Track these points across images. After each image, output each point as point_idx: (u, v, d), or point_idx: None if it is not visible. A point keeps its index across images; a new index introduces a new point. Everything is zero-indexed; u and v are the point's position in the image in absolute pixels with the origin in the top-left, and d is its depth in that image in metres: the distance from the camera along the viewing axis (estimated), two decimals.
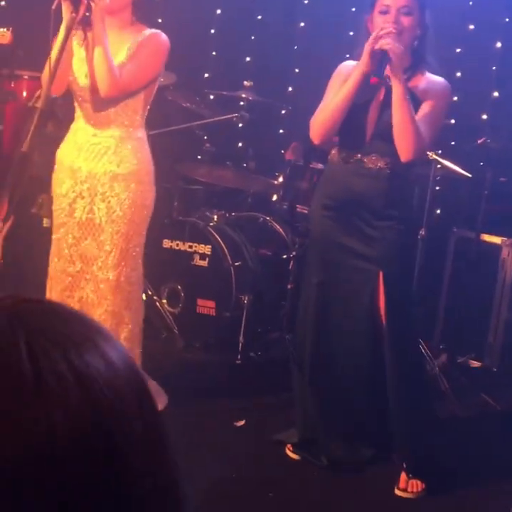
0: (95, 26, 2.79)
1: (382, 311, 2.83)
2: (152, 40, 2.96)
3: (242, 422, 3.30)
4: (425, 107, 2.77)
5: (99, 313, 3.04)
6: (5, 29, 3.36)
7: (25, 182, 4.26)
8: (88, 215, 3.01)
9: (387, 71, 2.68)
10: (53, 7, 2.67)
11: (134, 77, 2.92)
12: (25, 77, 4.70)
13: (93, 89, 2.91)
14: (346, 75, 2.79)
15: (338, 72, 2.88)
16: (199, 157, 4.61)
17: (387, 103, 2.77)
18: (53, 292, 3.12)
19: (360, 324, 2.90)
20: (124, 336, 3.11)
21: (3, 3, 5.37)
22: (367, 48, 2.65)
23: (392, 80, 2.66)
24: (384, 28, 2.64)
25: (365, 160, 2.81)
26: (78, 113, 3.03)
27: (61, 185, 3.04)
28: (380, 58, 2.65)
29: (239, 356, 3.90)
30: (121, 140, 2.98)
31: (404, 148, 2.70)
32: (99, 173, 2.97)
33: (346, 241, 2.87)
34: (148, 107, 3.08)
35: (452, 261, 4.19)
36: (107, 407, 0.61)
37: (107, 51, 2.81)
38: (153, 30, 2.99)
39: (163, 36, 3.00)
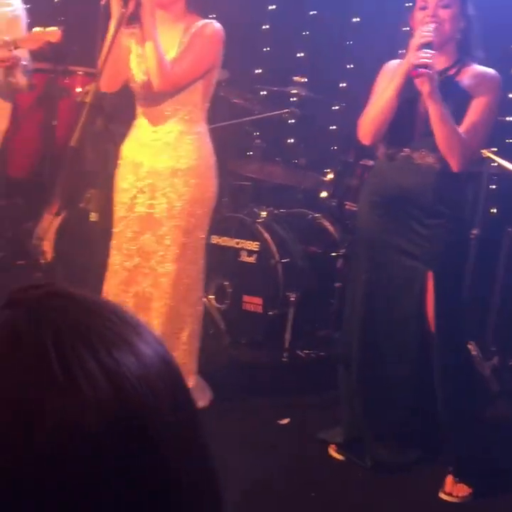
0: (145, 21, 2.80)
1: (431, 311, 2.78)
2: (205, 30, 2.94)
3: (286, 420, 3.28)
4: (476, 105, 2.71)
5: (158, 306, 3.07)
6: (55, 27, 3.39)
7: (75, 177, 4.33)
8: (148, 210, 3.04)
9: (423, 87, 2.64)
10: (102, 2, 2.70)
11: (187, 69, 2.91)
12: (79, 72, 4.77)
13: (149, 85, 2.92)
14: (392, 73, 2.76)
15: (384, 70, 2.86)
16: (249, 153, 4.60)
17: None
18: (109, 285, 3.16)
19: (407, 323, 2.85)
20: (182, 328, 3.15)
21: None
22: (411, 46, 2.63)
23: (427, 101, 2.63)
24: (423, 31, 2.61)
25: (414, 156, 2.76)
26: (139, 110, 3.06)
27: (124, 180, 3.07)
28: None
29: (285, 354, 3.88)
30: (181, 135, 2.99)
31: (451, 161, 2.69)
32: (160, 168, 3.00)
33: (394, 239, 2.82)
34: (209, 100, 3.07)
35: (506, 261, 4.08)
36: (139, 403, 0.60)
37: (157, 45, 2.81)
38: (207, 20, 2.97)
39: (217, 25, 2.97)
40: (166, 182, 3.00)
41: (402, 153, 2.78)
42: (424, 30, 2.63)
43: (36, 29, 3.46)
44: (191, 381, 3.23)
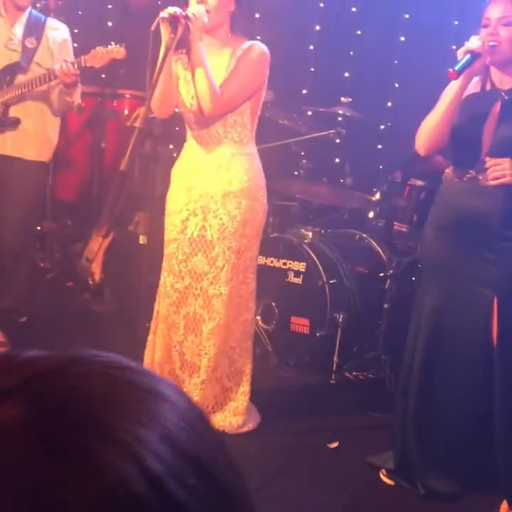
0: (193, 46, 2.83)
1: (495, 338, 2.71)
2: (251, 52, 2.97)
3: (335, 444, 3.24)
4: None
5: (211, 327, 3.09)
6: (118, 45, 3.48)
7: (123, 200, 4.37)
8: (200, 232, 3.06)
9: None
10: (152, 28, 2.72)
11: (236, 92, 2.93)
12: (127, 96, 4.84)
13: (199, 109, 2.94)
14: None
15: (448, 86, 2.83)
16: (296, 173, 4.59)
17: (503, 116, 2.68)
18: (161, 306, 3.19)
19: (473, 351, 2.76)
20: (234, 347, 3.17)
21: (110, 23, 5.55)
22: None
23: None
24: (471, 39, 2.60)
25: (480, 177, 2.69)
26: (189, 133, 3.08)
27: (175, 202, 3.10)
28: (469, 59, 2.59)
29: (333, 376, 3.85)
30: (232, 157, 3.02)
31: None
32: (212, 191, 3.03)
33: (463, 264, 2.74)
34: (256, 120, 3.09)
35: None
36: (165, 474, 0.50)
37: (206, 69, 2.84)
38: (252, 42, 2.99)
39: (263, 46, 3.00)
40: (218, 204, 3.03)
41: (468, 176, 2.72)
42: (472, 40, 2.61)
43: (99, 48, 3.53)
44: (243, 403, 3.22)
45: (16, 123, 3.73)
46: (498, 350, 2.69)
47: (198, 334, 3.14)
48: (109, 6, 5.67)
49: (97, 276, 4.58)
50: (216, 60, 2.96)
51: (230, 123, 2.99)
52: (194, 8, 2.84)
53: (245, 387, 3.24)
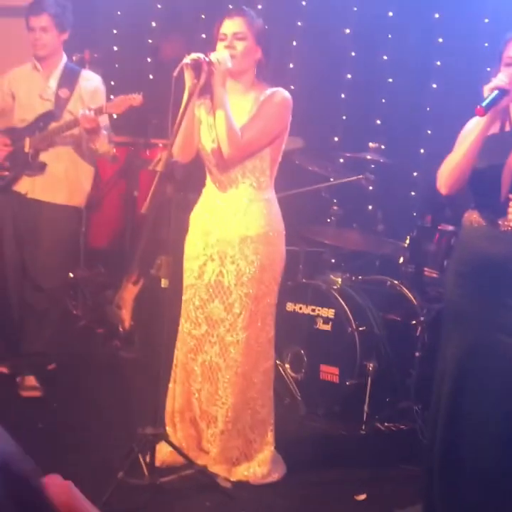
0: (216, 90, 2.84)
1: None
2: (273, 98, 2.97)
3: (363, 496, 3.13)
4: None
5: (229, 376, 3.03)
6: (136, 93, 3.60)
7: (150, 245, 4.39)
8: (217, 278, 3.02)
9: None
10: (175, 74, 2.74)
11: (257, 137, 2.92)
12: (160, 144, 4.90)
13: (219, 152, 2.94)
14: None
15: (467, 124, 2.79)
16: (328, 220, 4.56)
17: None
18: (180, 353, 3.16)
19: (499, 405, 2.63)
20: (255, 398, 3.09)
21: (151, 76, 5.67)
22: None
23: None
24: (499, 76, 2.55)
25: (500, 222, 2.62)
26: (208, 177, 3.08)
27: (193, 247, 3.08)
28: (497, 96, 2.53)
29: (363, 426, 3.74)
30: (250, 202, 2.99)
31: None
32: (229, 236, 2.99)
33: (485, 313, 2.64)
34: (276, 166, 3.07)
35: None
36: None
37: (228, 113, 2.85)
38: (275, 88, 3.00)
39: (285, 93, 3.00)
40: (235, 249, 2.99)
41: (489, 220, 2.65)
42: (500, 76, 2.56)
43: (119, 96, 3.66)
44: (268, 453, 3.14)
45: (42, 167, 3.84)
46: None
47: (214, 383, 3.07)
48: (148, 59, 5.80)
49: (127, 323, 4.57)
50: (239, 105, 2.97)
51: (249, 168, 2.97)
52: (218, 54, 2.87)
53: (269, 438, 3.15)
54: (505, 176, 2.63)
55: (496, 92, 2.53)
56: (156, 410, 2.99)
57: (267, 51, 3.03)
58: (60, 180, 3.87)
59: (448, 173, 2.69)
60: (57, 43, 3.88)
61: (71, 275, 4.76)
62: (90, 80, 3.95)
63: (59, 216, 3.86)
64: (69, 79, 3.90)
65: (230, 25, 2.93)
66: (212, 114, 2.95)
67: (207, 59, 2.81)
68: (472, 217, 2.73)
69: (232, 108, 2.91)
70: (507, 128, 2.71)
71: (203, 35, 4.98)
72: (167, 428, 3.19)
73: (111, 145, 3.94)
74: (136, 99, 3.58)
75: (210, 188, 3.08)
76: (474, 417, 2.68)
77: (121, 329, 4.58)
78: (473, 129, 2.63)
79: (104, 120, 3.80)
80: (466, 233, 2.79)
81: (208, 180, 3.09)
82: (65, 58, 3.97)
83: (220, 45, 2.93)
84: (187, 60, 2.78)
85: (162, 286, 2.82)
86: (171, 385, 3.20)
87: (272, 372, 3.17)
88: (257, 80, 3.02)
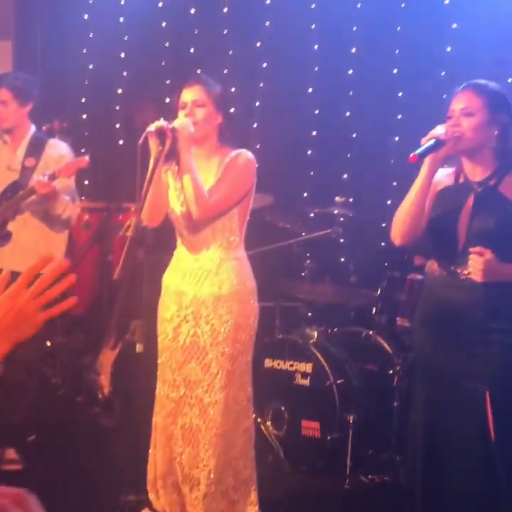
0: (182, 155, 2.90)
1: (492, 433, 2.62)
2: (237, 160, 3.03)
3: None
4: None
5: (209, 437, 3.01)
6: (85, 156, 3.76)
7: (126, 310, 4.41)
8: (192, 338, 3.04)
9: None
10: (140, 142, 2.81)
11: (224, 198, 2.98)
12: (132, 209, 4.95)
13: (189, 215, 3.00)
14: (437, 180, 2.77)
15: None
16: (302, 274, 4.61)
17: (477, 209, 2.69)
18: (159, 417, 3.14)
19: (472, 448, 2.65)
20: (237, 458, 3.07)
21: (121, 143, 5.75)
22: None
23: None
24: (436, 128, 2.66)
25: (459, 271, 2.68)
26: (179, 239, 3.13)
27: (167, 310, 3.10)
28: (432, 145, 2.62)
29: (347, 480, 3.72)
30: (221, 262, 3.03)
31: None
32: (203, 296, 3.02)
33: (448, 360, 2.70)
34: (245, 225, 3.13)
35: None
36: None
37: (195, 176, 2.90)
38: (238, 150, 3.07)
39: (248, 154, 3.06)
40: (209, 309, 3.02)
41: (449, 269, 2.71)
42: (438, 127, 2.65)
43: (68, 161, 3.80)
44: None
45: (8, 236, 3.89)
46: (497, 445, 2.60)
47: (195, 446, 3.06)
48: (117, 126, 5.90)
49: (106, 389, 4.55)
50: (204, 170, 3.03)
51: (218, 228, 3.03)
52: (180, 120, 2.95)
53: (253, 497, 3.13)
54: (461, 227, 2.70)
55: (431, 141, 2.62)
56: (138, 477, 2.96)
57: (228, 115, 3.12)
58: (29, 249, 3.90)
59: (399, 223, 2.76)
60: (19, 115, 3.96)
61: (48, 343, 4.74)
62: (56, 148, 4.01)
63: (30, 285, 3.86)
64: (36, 148, 3.98)
65: (189, 94, 3.02)
66: (179, 179, 3.01)
67: (170, 126, 2.89)
68: (433, 266, 2.79)
69: (201, 172, 2.98)
70: (461, 180, 2.79)
71: (167, 100, 5.08)
72: (150, 494, 3.16)
73: (77, 210, 4.00)
74: (82, 161, 3.70)
75: (181, 250, 3.12)
76: (448, 462, 2.70)
77: (100, 396, 4.55)
78: (417, 180, 2.71)
79: (67, 186, 3.86)
80: (428, 282, 2.85)
81: (179, 243, 3.13)
82: (33, 128, 4.04)
83: (181, 113, 3.01)
84: (151, 128, 2.85)
85: (137, 351, 2.83)
86: (151, 451, 3.18)
87: (253, 431, 3.16)
88: (220, 144, 3.08)
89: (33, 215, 3.92)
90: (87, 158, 3.70)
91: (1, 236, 3.89)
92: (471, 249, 2.60)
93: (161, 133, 2.85)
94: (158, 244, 3.13)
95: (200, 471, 3.04)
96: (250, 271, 3.12)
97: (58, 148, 4.02)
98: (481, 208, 2.68)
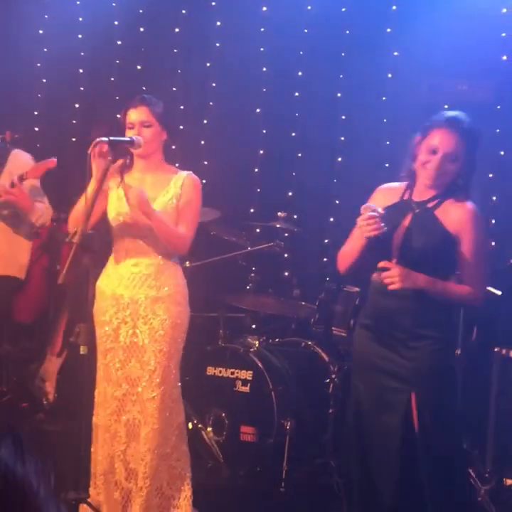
0: (142, 210, 3.06)
1: (416, 431, 2.81)
2: (192, 183, 3.26)
3: None
4: (467, 245, 2.84)
5: (146, 432, 3.15)
6: (52, 158, 3.88)
7: (68, 316, 4.49)
8: (132, 339, 3.20)
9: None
10: (89, 151, 2.96)
11: (193, 225, 3.23)
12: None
13: (128, 224, 3.16)
14: (384, 195, 2.94)
15: (376, 192, 3.03)
16: (247, 287, 4.77)
17: (412, 229, 2.87)
18: (100, 417, 3.25)
19: (397, 446, 2.83)
20: (170, 453, 3.21)
21: (73, 156, 5.82)
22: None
23: None
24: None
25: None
26: (116, 246, 3.27)
27: (104, 313, 3.24)
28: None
29: (283, 484, 3.86)
30: (159, 267, 3.21)
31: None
32: (140, 298, 3.19)
33: (381, 361, 2.90)
34: None
35: (497, 381, 4.10)
36: None
37: (163, 222, 3.10)
38: (187, 172, 3.28)
39: (195, 176, 3.30)
40: (147, 310, 3.19)
41: (381, 279, 2.88)
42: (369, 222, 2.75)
43: (37, 162, 3.92)
44: (188, 508, 3.23)
45: None
46: (420, 441, 2.79)
47: (138, 440, 3.19)
48: (73, 139, 5.98)
49: (52, 396, 4.61)
50: (153, 182, 3.23)
51: (154, 237, 3.18)
52: (130, 134, 3.14)
53: (187, 492, 3.25)
54: (396, 243, 2.89)
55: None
56: (78, 475, 3.06)
57: (172, 131, 3.31)
58: None
59: (342, 261, 3.00)
60: None
61: None
62: (20, 157, 4.16)
63: None
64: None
65: (136, 115, 3.20)
66: (122, 188, 3.18)
67: (133, 138, 3.08)
68: (374, 275, 2.98)
69: (147, 184, 3.16)
70: (405, 196, 2.95)
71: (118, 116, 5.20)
72: (91, 490, 3.26)
73: (50, 213, 4.11)
74: (50, 162, 3.83)
75: (119, 256, 3.25)
76: (378, 463, 2.87)
77: (45, 402, 4.61)
78: (355, 240, 2.90)
79: (33, 186, 4.00)
80: (371, 289, 3.04)
81: (115, 248, 3.28)
82: None
83: (130, 133, 3.19)
84: (102, 139, 3.01)
85: (81, 352, 2.94)
86: (92, 449, 3.29)
87: (185, 427, 3.31)
88: (164, 159, 3.30)
89: (5, 221, 4.03)
90: (54, 159, 3.82)
91: None
92: (380, 264, 2.82)
93: (110, 144, 3.01)
94: (107, 250, 3.26)
95: (139, 465, 3.17)
96: (183, 276, 3.32)
97: (23, 157, 4.17)
98: (414, 227, 2.86)
